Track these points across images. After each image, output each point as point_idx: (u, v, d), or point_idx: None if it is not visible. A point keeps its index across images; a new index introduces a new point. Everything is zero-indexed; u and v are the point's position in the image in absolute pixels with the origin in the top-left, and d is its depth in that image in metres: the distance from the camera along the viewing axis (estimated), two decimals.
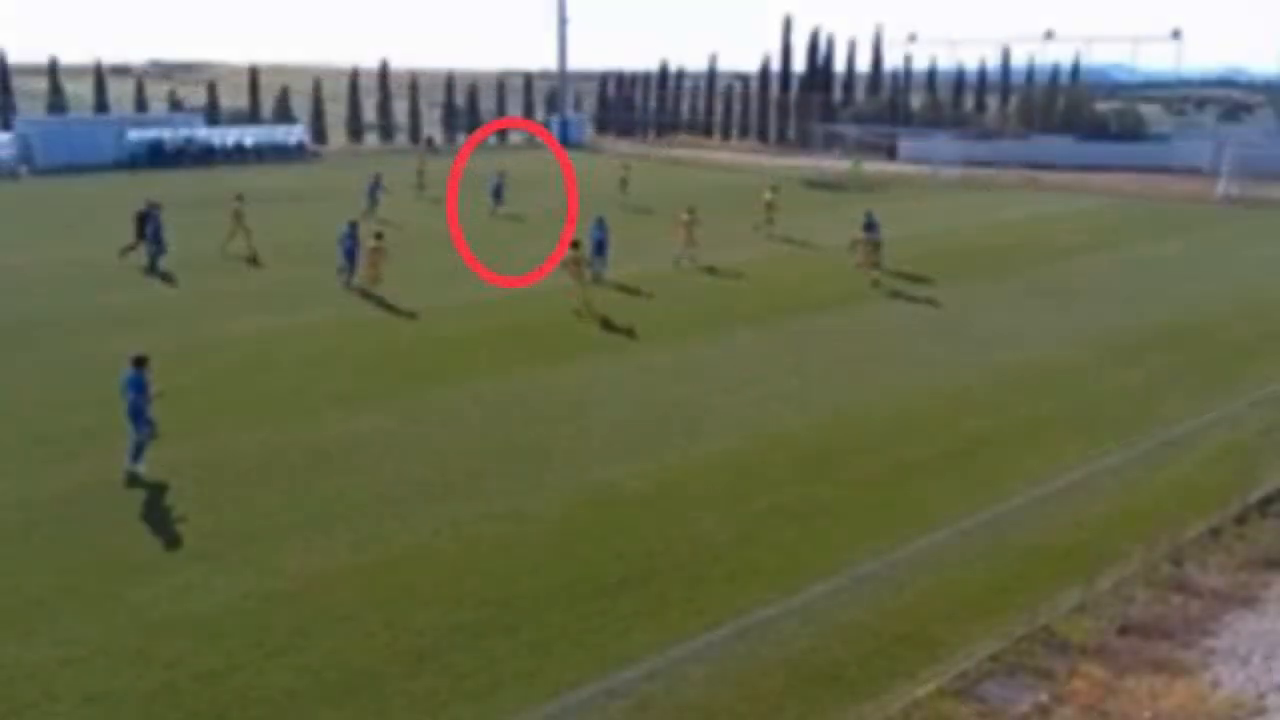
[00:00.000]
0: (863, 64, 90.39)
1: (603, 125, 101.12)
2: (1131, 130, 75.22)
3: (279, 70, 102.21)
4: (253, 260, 35.93)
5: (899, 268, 34.58)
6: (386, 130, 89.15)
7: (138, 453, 17.11)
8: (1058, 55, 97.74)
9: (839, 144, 76.02)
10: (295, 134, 77.48)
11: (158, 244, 34.26)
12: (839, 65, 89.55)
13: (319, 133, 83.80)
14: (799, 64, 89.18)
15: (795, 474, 17.31)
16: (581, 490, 16.62)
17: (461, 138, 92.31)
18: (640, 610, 13.01)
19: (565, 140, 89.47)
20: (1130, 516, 15.66)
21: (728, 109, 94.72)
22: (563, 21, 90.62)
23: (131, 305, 29.39)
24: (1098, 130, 74.98)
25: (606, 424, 19.69)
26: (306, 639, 12.34)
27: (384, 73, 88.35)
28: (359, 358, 24.23)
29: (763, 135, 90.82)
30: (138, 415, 17.08)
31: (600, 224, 33.37)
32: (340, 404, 20.71)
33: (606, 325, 27.34)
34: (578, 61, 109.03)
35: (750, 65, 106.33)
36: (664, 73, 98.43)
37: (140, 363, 17.18)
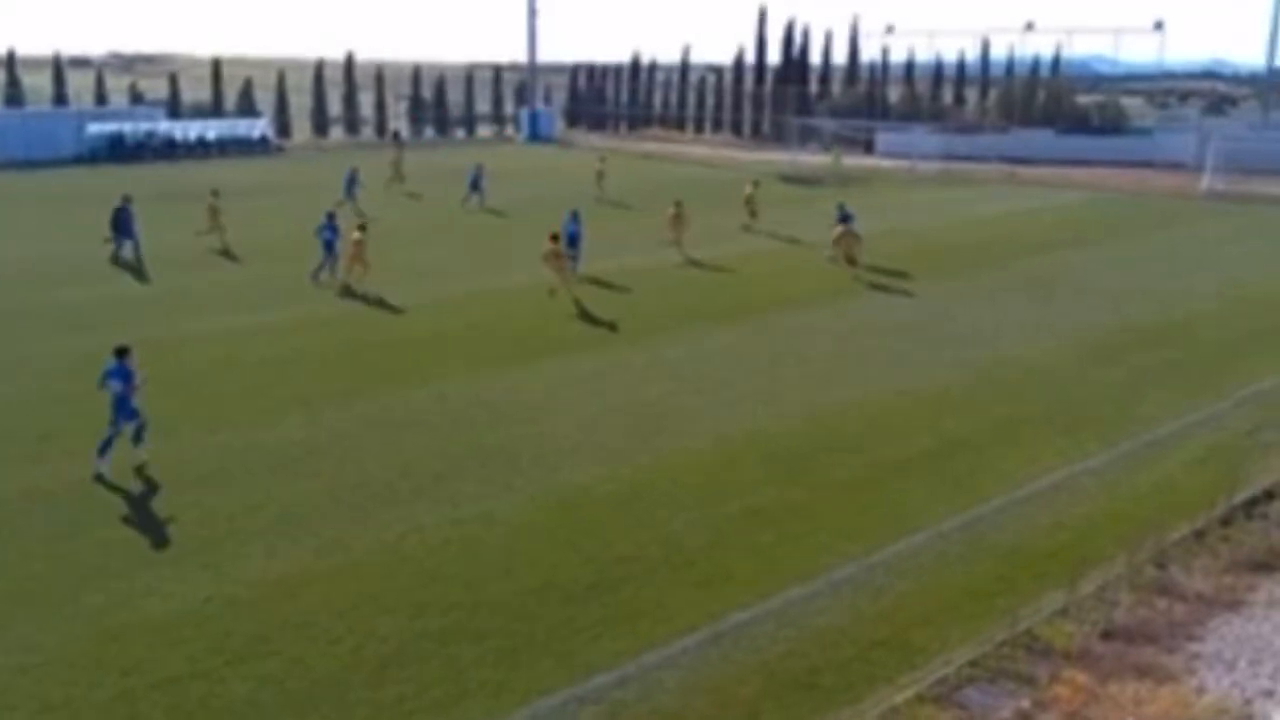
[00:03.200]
0: (839, 56, 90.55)
1: (573, 119, 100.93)
2: (1113, 123, 75.71)
3: (242, 62, 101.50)
4: (226, 255, 35.88)
5: (876, 264, 34.63)
6: (352, 124, 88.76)
7: (105, 448, 17.09)
8: (1038, 47, 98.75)
9: (815, 138, 76.18)
10: (258, 127, 76.95)
11: (130, 237, 34.53)
12: (815, 57, 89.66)
13: (283, 126, 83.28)
14: (774, 56, 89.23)
15: (769, 476, 17.30)
16: (550, 493, 16.55)
17: (429, 131, 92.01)
18: (611, 616, 12.95)
19: (535, 134, 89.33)
20: (1113, 519, 15.73)
21: (701, 102, 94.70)
22: (532, 12, 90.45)
23: (89, 303, 29.08)
24: (1079, 124, 75.42)
25: (576, 425, 19.63)
26: (268, 646, 12.22)
27: (349, 65, 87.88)
28: (323, 358, 24.06)
29: (737, 129, 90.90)
30: (123, 406, 17.15)
31: (575, 217, 33.56)
32: (303, 405, 20.56)
33: (577, 323, 27.28)
34: (548, 53, 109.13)
35: (724, 57, 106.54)
36: (636, 65, 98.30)
37: (123, 353, 17.28)
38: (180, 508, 15.87)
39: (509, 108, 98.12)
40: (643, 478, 17.17)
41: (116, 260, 34.40)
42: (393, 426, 19.49)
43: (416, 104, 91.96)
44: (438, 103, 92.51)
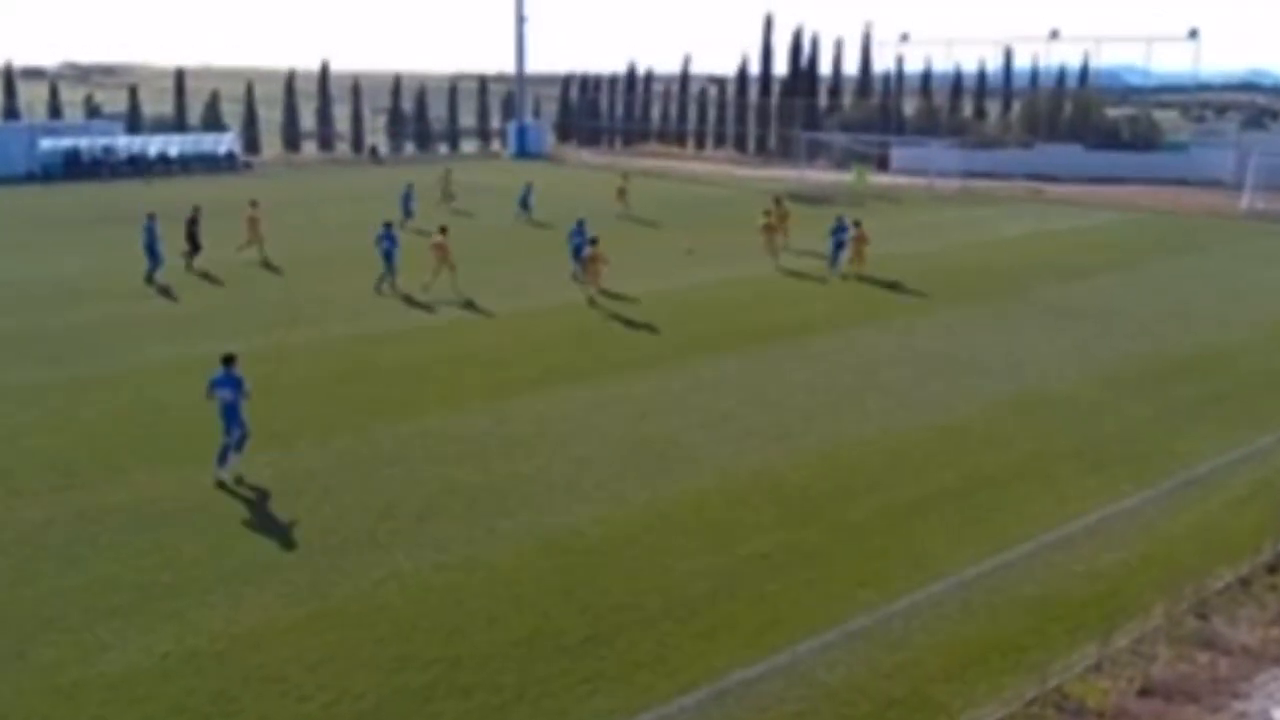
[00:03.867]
0: (850, 66, 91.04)
1: (565, 133, 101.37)
2: (1145, 138, 76.07)
3: (207, 73, 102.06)
4: (266, 265, 38.10)
5: (892, 289, 34.72)
6: (326, 139, 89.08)
7: (224, 456, 18.49)
8: (1064, 56, 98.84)
9: (825, 153, 76.48)
10: (225, 143, 77.27)
11: (155, 256, 35.61)
12: (825, 67, 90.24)
13: (251, 141, 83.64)
14: (780, 66, 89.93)
15: (779, 518, 17.26)
16: (541, 536, 16.50)
17: (409, 147, 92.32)
18: (606, 671, 12.89)
19: (523, 150, 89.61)
20: (1150, 565, 15.69)
21: (702, 115, 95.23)
22: (520, 19, 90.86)
23: (51, 330, 29.11)
24: (1108, 139, 75.80)
25: (569, 462, 19.60)
26: (233, 704, 12.14)
27: (324, 75, 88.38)
28: (294, 390, 24.04)
29: (741, 144, 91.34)
30: (232, 415, 18.55)
31: (580, 228, 36.00)
32: (274, 441, 20.49)
33: (572, 350, 27.29)
34: (537, 63, 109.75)
35: (727, 67, 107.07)
36: (632, 75, 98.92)
37: (229, 360, 18.82)
38: (140, 552, 15.81)
39: (495, 121, 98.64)
40: (641, 520, 17.12)
41: (190, 267, 37.13)
42: (371, 463, 19.45)
43: (396, 117, 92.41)
44: (419, 116, 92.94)
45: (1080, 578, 15.30)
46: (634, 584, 14.97)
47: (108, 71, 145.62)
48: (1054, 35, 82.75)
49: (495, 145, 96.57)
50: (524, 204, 51.68)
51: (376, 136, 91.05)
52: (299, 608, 14.27)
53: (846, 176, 67.79)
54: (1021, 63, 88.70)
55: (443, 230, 34.34)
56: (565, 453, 20.09)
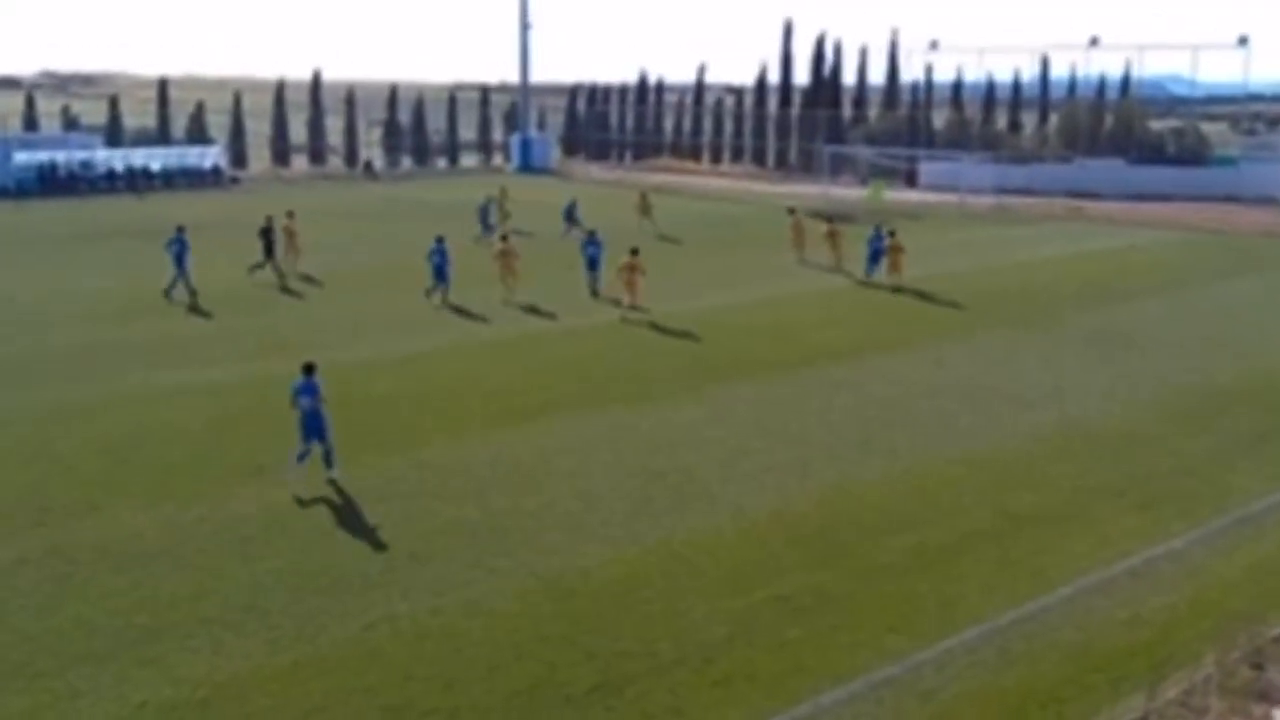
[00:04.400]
0: (876, 75, 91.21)
1: (571, 146, 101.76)
2: (1192, 152, 76.00)
3: (192, 83, 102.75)
4: (282, 287, 39.28)
5: (921, 314, 34.69)
6: (317, 152, 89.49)
7: (330, 456, 20.21)
8: (1105, 65, 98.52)
9: (849, 168, 76.57)
10: (210, 156, 77.75)
11: (181, 270, 36.91)
12: (849, 77, 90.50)
13: (238, 155, 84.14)
14: (802, 75, 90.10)
15: (799, 559, 17.21)
16: (545, 577, 16.46)
17: (406, 161, 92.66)
18: None
19: (527, 164, 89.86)
20: (1200, 610, 15.59)
21: (718, 127, 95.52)
22: (525, 26, 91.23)
23: (22, 354, 29.24)
24: (1153, 153, 75.78)
25: (575, 498, 19.58)
26: None
27: (315, 85, 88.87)
28: (278, 420, 24.01)
29: (759, 158, 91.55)
30: (317, 422, 20.05)
31: (593, 239, 38.40)
32: (257, 475, 20.53)
33: (577, 378, 27.30)
34: (542, 73, 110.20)
35: (745, 76, 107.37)
36: (643, 85, 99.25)
37: (310, 369, 20.42)
38: (117, 592, 15.80)
39: (498, 134, 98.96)
40: (652, 560, 17.08)
41: (264, 272, 39.53)
42: (363, 498, 19.44)
43: (392, 130, 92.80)
44: (416, 128, 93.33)
45: (1124, 624, 15.20)
46: (645, 629, 14.92)
47: (87, 81, 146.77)
48: (1094, 43, 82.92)
49: (497, 159, 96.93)
50: (569, 217, 52.42)
51: (371, 150, 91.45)
52: (285, 654, 14.24)
53: (865, 192, 67.92)
54: (1059, 72, 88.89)
55: (504, 238, 38.38)
56: (571, 488, 20.07)
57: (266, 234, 40.30)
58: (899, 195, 69.13)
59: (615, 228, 50.00)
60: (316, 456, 20.27)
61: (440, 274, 36.19)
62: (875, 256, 40.72)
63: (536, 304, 36.11)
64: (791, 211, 47.86)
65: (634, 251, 35.50)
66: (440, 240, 36.68)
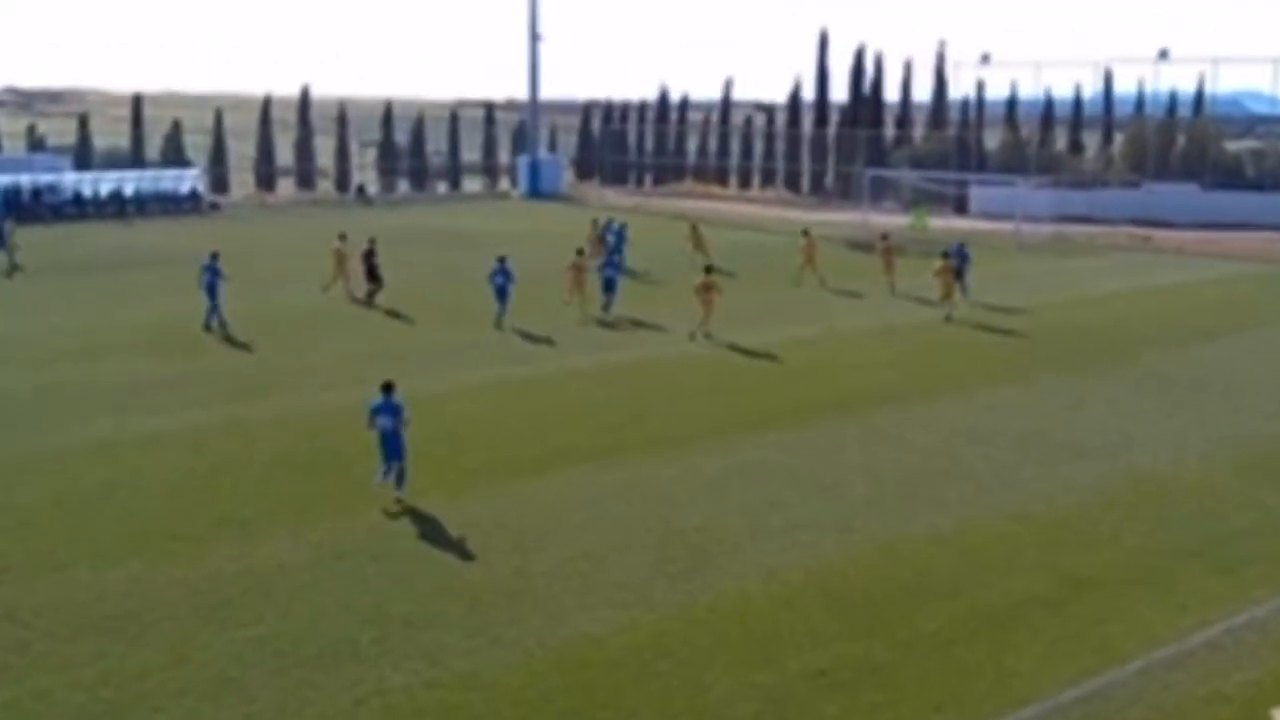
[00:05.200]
0: (921, 91, 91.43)
1: (585, 169, 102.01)
2: (1274, 176, 75.95)
3: (169, 99, 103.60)
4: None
5: (973, 354, 34.64)
6: (306, 176, 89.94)
7: (388, 474, 21.66)
8: (1175, 80, 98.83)
9: (892, 194, 76.57)
10: (188, 180, 78.26)
11: (213, 300, 37.87)
12: (891, 93, 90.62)
13: (219, 179, 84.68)
14: (839, 91, 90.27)
15: (836, 627, 17.14)
16: (554, 646, 16.43)
17: (403, 185, 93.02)
18: None
19: (536, 189, 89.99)
20: None
21: (747, 149, 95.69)
22: (534, 38, 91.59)
23: None
24: (1229, 177, 75.78)
25: (587, 558, 19.54)
26: None
27: (304, 102, 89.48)
28: (264, 470, 24.11)
29: (793, 183, 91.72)
30: (396, 442, 21.62)
31: (612, 256, 42.00)
32: (237, 531, 20.54)
33: (590, 425, 27.32)
34: (554, 89, 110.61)
35: (776, 93, 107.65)
36: (664, 102, 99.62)
37: (389, 388, 21.96)
38: (79, 661, 15.80)
39: (504, 156, 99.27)
40: (672, 628, 17.03)
41: (372, 300, 41.94)
42: (353, 558, 19.43)
43: (388, 151, 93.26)
44: (414, 150, 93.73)
45: (1202, 701, 15.09)
46: (664, 705, 14.86)
47: (54, 98, 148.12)
48: (1163, 55, 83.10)
49: (504, 184, 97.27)
50: (604, 240, 52.65)
51: (365, 173, 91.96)
52: None
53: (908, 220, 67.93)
54: (1125, 87, 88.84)
55: (580, 252, 41.75)
56: (582, 547, 20.03)
57: (369, 258, 42.58)
58: (947, 224, 69.04)
59: (652, 257, 50.28)
60: (310, 503, 20.25)
61: (502, 295, 38.35)
62: (959, 274, 43.09)
63: (542, 340, 36.19)
64: (805, 233, 49.36)
65: (708, 270, 38.16)
66: (503, 260, 39.04)
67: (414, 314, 40.79)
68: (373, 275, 42.62)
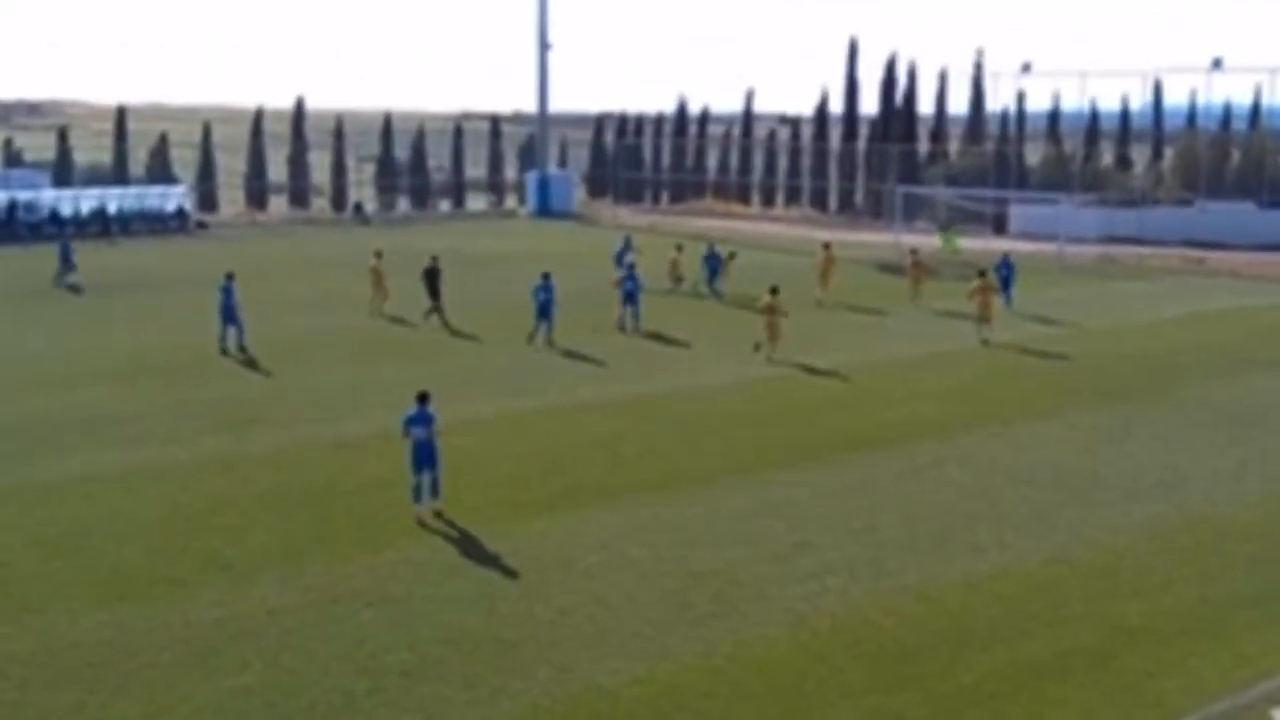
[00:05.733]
0: (958, 103, 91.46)
1: (598, 186, 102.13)
2: None
3: (155, 112, 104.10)
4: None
5: (1013, 386, 34.55)
6: (299, 193, 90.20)
7: (418, 494, 23.23)
8: (1230, 91, 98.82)
9: (926, 213, 76.51)
10: (175, 198, 78.56)
11: (235, 323, 38.93)
12: (925, 105, 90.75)
13: (207, 196, 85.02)
14: (869, 103, 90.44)
15: (867, 680, 17.08)
16: (562, 699, 16.39)
17: (402, 203, 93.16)
18: None
19: (545, 207, 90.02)
20: None
21: (771, 164, 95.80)
22: (543, 46, 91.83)
23: None
24: None
25: (599, 604, 19.50)
26: None
27: (298, 115, 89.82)
28: (252, 509, 24.11)
29: (820, 200, 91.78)
30: (429, 452, 23.16)
31: (631, 275, 43.31)
32: (223, 574, 20.53)
33: (603, 461, 27.30)
34: (564, 100, 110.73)
35: (802, 105, 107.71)
36: (682, 114, 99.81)
37: (424, 398, 23.55)
38: (55, 713, 15.79)
39: (510, 172, 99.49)
40: (690, 679, 16.97)
41: (443, 321, 43.25)
42: (348, 603, 19.40)
43: (386, 167, 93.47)
44: (415, 166, 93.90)
45: None
46: None
47: (32, 110, 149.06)
48: (1216, 65, 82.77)
49: (510, 202, 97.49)
50: (620, 260, 53.52)
51: (362, 190, 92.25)
52: None
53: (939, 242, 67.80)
54: (1176, 99, 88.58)
55: (774, 292, 40.87)
56: (594, 591, 19.99)
57: (431, 276, 44.19)
58: (986, 245, 68.88)
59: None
60: (302, 544, 20.24)
61: (545, 312, 39.92)
62: (1006, 284, 46.69)
63: (552, 368, 36.22)
64: (825, 246, 51.52)
65: (774, 291, 38.54)
66: (547, 277, 40.49)
67: (413, 342, 40.85)
68: (434, 293, 44.12)
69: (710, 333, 42.11)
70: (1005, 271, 47.81)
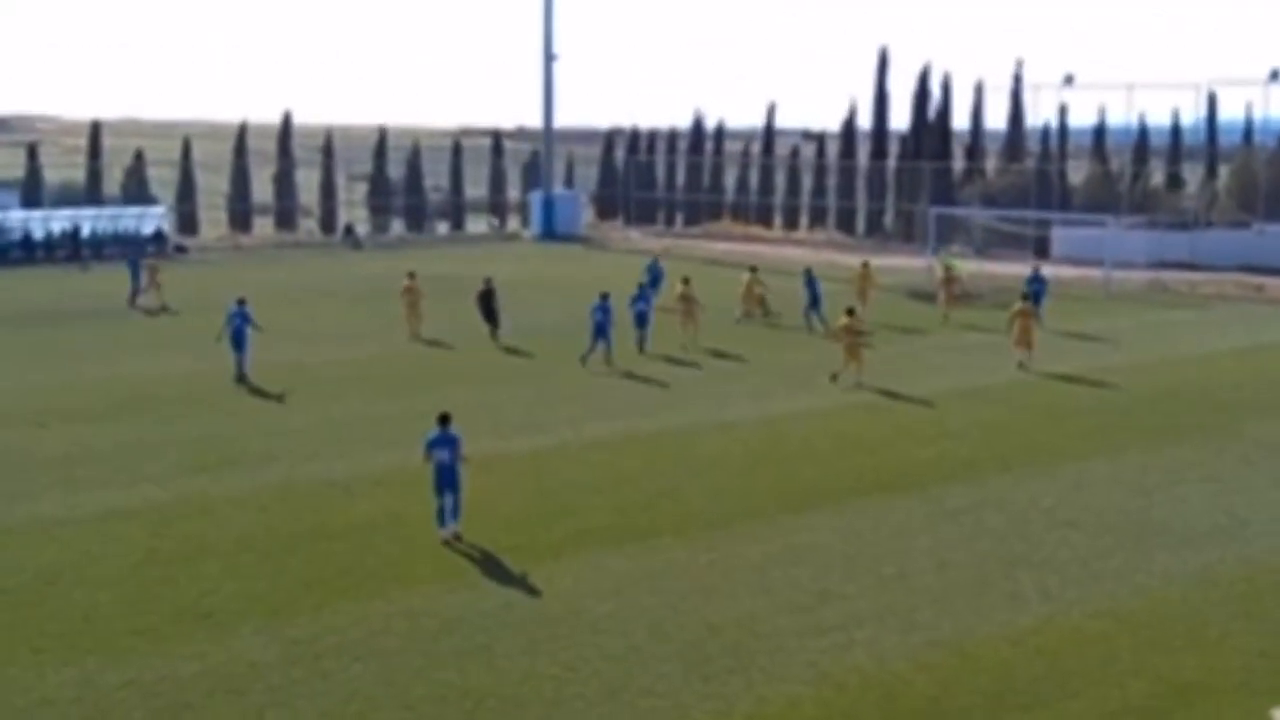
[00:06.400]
0: (995, 118, 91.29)
1: (607, 207, 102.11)
2: None
3: (131, 127, 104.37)
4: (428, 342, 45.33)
5: (1057, 422, 34.48)
6: (286, 214, 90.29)
7: (442, 518, 24.35)
8: None
9: (962, 235, 76.38)
10: (153, 219, 78.68)
11: (241, 350, 39.78)
12: (960, 120, 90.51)
13: (187, 218, 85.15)
14: (900, 118, 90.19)
15: None
16: None
17: (396, 225, 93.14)
18: None
19: (550, 229, 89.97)
20: None
21: (794, 184, 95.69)
22: (549, 57, 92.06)
23: None
24: None
25: (607, 659, 19.47)
26: None
27: (285, 130, 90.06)
28: (233, 555, 24.10)
29: (846, 222, 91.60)
30: (448, 478, 24.20)
31: (645, 291, 45.60)
32: (203, 624, 20.52)
33: (612, 503, 27.27)
34: (571, 115, 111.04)
35: (828, 120, 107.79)
36: (698, 130, 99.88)
37: (445, 419, 24.71)
38: None
39: (513, 192, 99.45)
40: None
41: (494, 341, 45.74)
42: (335, 657, 19.38)
43: (380, 186, 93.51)
44: (410, 185, 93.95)
45: None
46: None
47: (0, 125, 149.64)
48: (1275, 77, 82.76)
49: (513, 224, 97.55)
50: (655, 282, 55.68)
51: (354, 212, 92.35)
52: None
53: (971, 266, 67.63)
54: (1231, 113, 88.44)
55: (685, 281, 46.45)
56: (602, 645, 19.95)
57: (486, 298, 46.75)
58: (1024, 270, 68.70)
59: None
60: (286, 593, 20.20)
61: (602, 332, 41.66)
62: (1038, 298, 48.01)
63: (559, 404, 36.21)
64: (865, 264, 55.40)
65: (850, 311, 40.35)
66: (605, 297, 42.23)
67: (411, 374, 40.89)
68: (490, 315, 46.60)
69: (731, 365, 42.06)
70: (1037, 287, 49.80)
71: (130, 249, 66.00)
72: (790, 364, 42.14)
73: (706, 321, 46.38)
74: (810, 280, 51.25)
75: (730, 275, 57.39)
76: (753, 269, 54.75)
